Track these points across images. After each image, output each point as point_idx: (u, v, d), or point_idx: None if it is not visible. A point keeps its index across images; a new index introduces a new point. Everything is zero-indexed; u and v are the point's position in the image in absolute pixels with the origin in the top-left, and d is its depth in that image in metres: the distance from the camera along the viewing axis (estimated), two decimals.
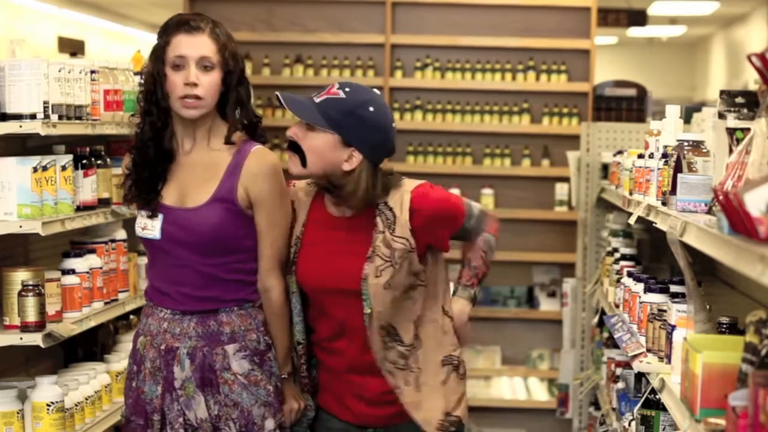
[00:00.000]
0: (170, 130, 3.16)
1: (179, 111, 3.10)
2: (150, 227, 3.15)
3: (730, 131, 2.70)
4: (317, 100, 3.01)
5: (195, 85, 3.07)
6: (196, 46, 3.09)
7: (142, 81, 3.18)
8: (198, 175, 3.15)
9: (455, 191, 7.02)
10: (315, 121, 2.98)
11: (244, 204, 3.12)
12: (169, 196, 3.16)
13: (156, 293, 3.22)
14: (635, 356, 3.21)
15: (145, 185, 3.16)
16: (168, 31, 3.12)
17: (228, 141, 3.15)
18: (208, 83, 3.09)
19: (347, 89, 3.01)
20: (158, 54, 3.12)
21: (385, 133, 3.03)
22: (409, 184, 3.07)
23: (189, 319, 3.16)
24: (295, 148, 3.03)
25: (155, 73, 3.11)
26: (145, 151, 3.15)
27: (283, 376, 3.19)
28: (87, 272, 3.78)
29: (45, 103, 3.45)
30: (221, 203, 3.12)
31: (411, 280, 3.06)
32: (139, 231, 3.20)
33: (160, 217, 3.14)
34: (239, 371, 3.13)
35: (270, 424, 3.14)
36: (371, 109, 3.00)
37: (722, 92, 2.83)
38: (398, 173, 3.13)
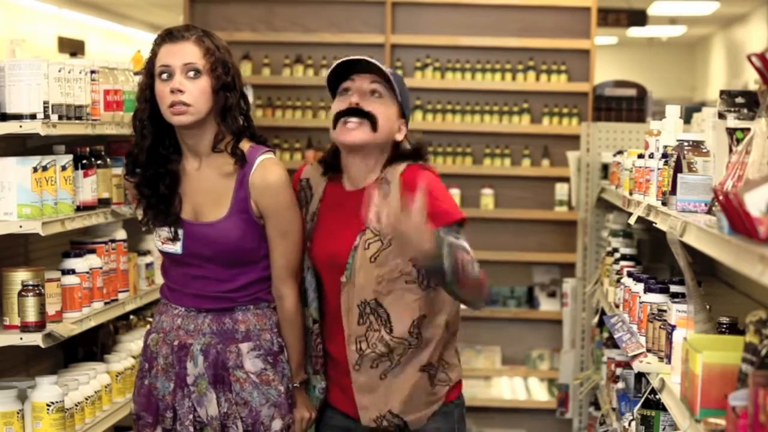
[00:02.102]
0: (168, 145, 3.16)
1: (169, 119, 3.10)
2: (171, 242, 3.16)
3: (730, 131, 2.70)
4: (387, 69, 3.10)
5: (180, 91, 3.06)
6: (179, 52, 3.08)
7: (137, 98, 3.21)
8: (209, 188, 3.15)
9: (455, 191, 7.02)
10: (392, 88, 3.10)
11: (257, 215, 3.13)
12: (185, 212, 3.17)
13: (172, 292, 3.23)
14: (635, 356, 3.21)
15: (159, 208, 3.16)
16: (155, 44, 3.14)
17: (216, 147, 3.13)
18: (195, 89, 3.07)
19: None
20: (148, 68, 3.14)
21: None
22: (408, 162, 3.13)
23: (204, 316, 3.17)
24: (360, 114, 3.04)
25: (145, 87, 3.13)
26: (149, 173, 3.16)
27: (295, 384, 3.19)
28: (87, 272, 3.78)
29: (45, 103, 3.45)
30: (239, 215, 3.12)
31: (408, 267, 3.05)
32: (159, 245, 3.20)
33: (181, 232, 3.15)
34: (252, 370, 3.14)
35: (277, 424, 3.14)
36: (406, 87, 3.18)
37: (722, 92, 2.83)
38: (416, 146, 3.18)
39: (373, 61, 3.07)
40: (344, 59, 3.07)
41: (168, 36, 3.12)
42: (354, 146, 3.06)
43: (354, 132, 3.04)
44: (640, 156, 3.75)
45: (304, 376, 3.22)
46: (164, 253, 3.24)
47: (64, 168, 3.58)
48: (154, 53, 3.13)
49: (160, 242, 3.20)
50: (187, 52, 3.09)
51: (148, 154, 3.16)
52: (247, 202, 3.13)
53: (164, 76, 3.08)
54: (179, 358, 3.17)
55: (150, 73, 3.13)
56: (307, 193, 3.22)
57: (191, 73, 3.08)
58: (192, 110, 3.08)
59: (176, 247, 3.16)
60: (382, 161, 3.11)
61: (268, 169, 3.13)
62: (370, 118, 3.03)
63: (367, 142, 3.05)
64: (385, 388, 3.09)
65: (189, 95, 3.06)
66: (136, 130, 3.19)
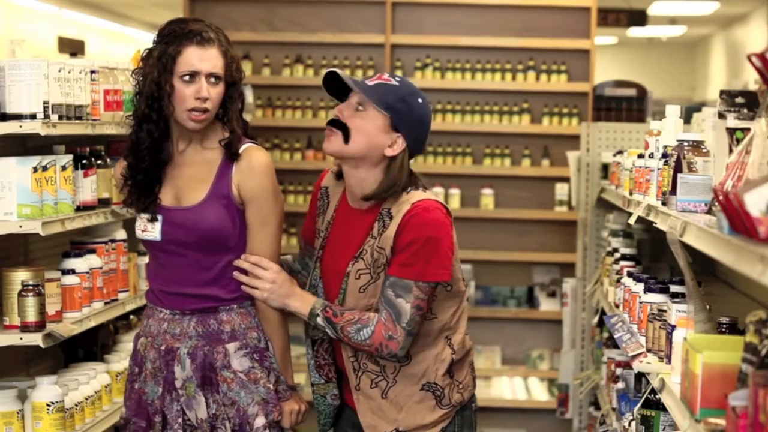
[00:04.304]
0: (168, 136, 3.16)
1: (185, 122, 3.10)
2: (150, 229, 3.16)
3: (730, 131, 2.70)
4: (370, 83, 3.03)
5: (206, 99, 3.08)
6: (208, 59, 3.08)
7: (140, 84, 3.14)
8: (192, 174, 3.16)
9: (455, 191, 7.02)
10: (373, 100, 2.99)
11: (238, 201, 3.13)
12: (166, 197, 3.17)
13: (156, 295, 3.23)
14: (635, 356, 3.21)
15: (143, 189, 3.16)
16: (178, 40, 3.09)
17: (232, 151, 3.14)
18: (215, 96, 3.11)
19: (397, 78, 3.07)
20: (166, 63, 3.08)
21: (427, 126, 3.08)
22: (416, 197, 3.03)
23: (189, 318, 3.17)
24: (336, 125, 3.03)
25: (161, 81, 3.08)
26: (142, 158, 3.14)
27: (283, 386, 3.19)
28: (87, 272, 3.78)
29: (45, 103, 3.45)
30: (217, 200, 3.13)
31: None
32: (139, 233, 3.20)
33: (160, 218, 3.15)
34: (239, 369, 3.14)
35: (260, 421, 3.14)
36: (420, 100, 3.05)
37: (722, 92, 2.83)
38: (419, 176, 3.11)
39: (338, 72, 3.00)
40: (328, 71, 3.01)
41: (196, 37, 3.09)
42: (330, 155, 3.09)
43: (328, 141, 3.05)
44: (640, 156, 3.75)
45: (292, 382, 3.23)
46: (145, 242, 3.23)
47: (64, 168, 3.58)
48: (177, 51, 3.08)
49: (140, 231, 3.20)
50: (214, 60, 3.10)
51: (150, 141, 3.14)
52: (229, 187, 3.13)
53: (187, 78, 3.08)
54: (167, 362, 3.17)
55: (168, 69, 3.08)
56: (324, 201, 3.21)
57: (213, 80, 3.10)
58: (209, 116, 3.12)
59: (155, 233, 3.16)
60: (375, 176, 3.04)
61: (253, 154, 3.15)
62: (344, 130, 3.01)
63: (338, 153, 3.03)
64: (389, 407, 3.09)
65: (210, 102, 3.09)
66: (149, 123, 3.12)
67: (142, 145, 3.13)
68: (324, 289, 3.15)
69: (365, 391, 3.09)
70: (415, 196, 3.02)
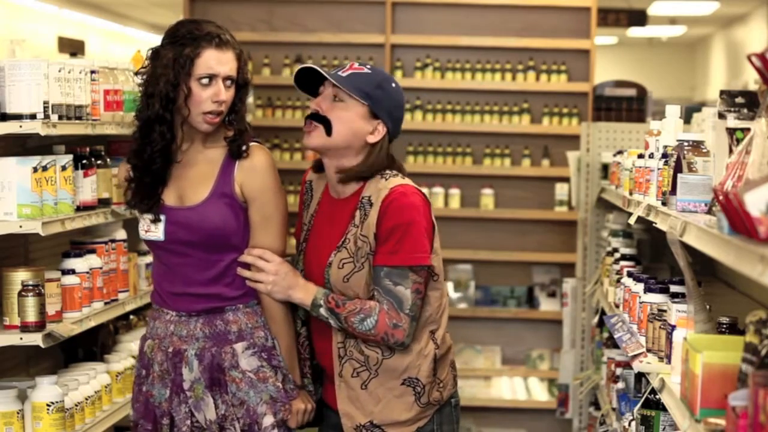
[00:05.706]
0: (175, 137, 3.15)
1: (199, 125, 3.11)
2: (153, 229, 3.16)
3: (730, 131, 2.70)
4: (343, 74, 3.06)
5: (223, 102, 3.09)
6: (225, 62, 3.10)
7: (149, 85, 3.11)
8: (195, 173, 3.16)
9: (455, 191, 7.02)
10: (351, 90, 3.02)
11: (240, 199, 3.14)
12: (169, 197, 3.17)
13: (162, 296, 3.23)
14: (635, 356, 3.21)
15: (148, 191, 3.16)
16: (196, 42, 3.08)
17: (240, 149, 3.14)
18: (230, 99, 3.13)
19: (368, 66, 3.10)
20: (183, 64, 3.07)
21: (403, 110, 3.14)
22: (393, 182, 3.06)
23: (195, 320, 3.17)
24: (317, 119, 3.06)
25: (179, 83, 3.07)
26: (154, 160, 3.14)
27: (290, 385, 3.18)
28: (87, 272, 3.78)
29: (45, 103, 3.45)
30: (220, 199, 3.13)
31: None
32: (142, 234, 3.20)
33: (163, 218, 3.15)
34: (248, 368, 3.14)
35: (268, 420, 3.14)
36: (393, 85, 3.11)
37: (722, 92, 2.83)
38: (398, 161, 3.15)
39: (314, 67, 3.04)
40: (301, 67, 3.07)
41: (215, 39, 3.09)
42: (313, 149, 3.11)
43: (309, 136, 3.08)
44: (640, 156, 3.75)
45: (299, 381, 3.23)
46: (148, 243, 3.24)
47: (64, 168, 3.58)
48: (195, 53, 3.07)
49: (143, 231, 3.20)
50: (230, 63, 3.12)
51: (162, 143, 3.13)
52: (231, 186, 3.13)
53: (205, 81, 3.08)
54: (174, 364, 3.17)
55: (186, 70, 3.07)
56: (309, 195, 3.25)
57: (228, 82, 3.12)
58: (221, 118, 3.14)
59: (158, 234, 3.16)
60: (359, 165, 3.07)
61: (255, 153, 3.16)
62: (325, 123, 3.04)
63: (321, 146, 3.07)
64: (367, 398, 3.09)
65: (225, 104, 3.12)
66: (163, 124, 3.10)
67: (155, 147, 3.12)
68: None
69: (346, 379, 3.09)
70: (393, 182, 3.06)
